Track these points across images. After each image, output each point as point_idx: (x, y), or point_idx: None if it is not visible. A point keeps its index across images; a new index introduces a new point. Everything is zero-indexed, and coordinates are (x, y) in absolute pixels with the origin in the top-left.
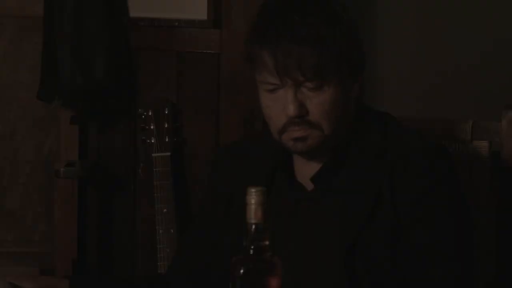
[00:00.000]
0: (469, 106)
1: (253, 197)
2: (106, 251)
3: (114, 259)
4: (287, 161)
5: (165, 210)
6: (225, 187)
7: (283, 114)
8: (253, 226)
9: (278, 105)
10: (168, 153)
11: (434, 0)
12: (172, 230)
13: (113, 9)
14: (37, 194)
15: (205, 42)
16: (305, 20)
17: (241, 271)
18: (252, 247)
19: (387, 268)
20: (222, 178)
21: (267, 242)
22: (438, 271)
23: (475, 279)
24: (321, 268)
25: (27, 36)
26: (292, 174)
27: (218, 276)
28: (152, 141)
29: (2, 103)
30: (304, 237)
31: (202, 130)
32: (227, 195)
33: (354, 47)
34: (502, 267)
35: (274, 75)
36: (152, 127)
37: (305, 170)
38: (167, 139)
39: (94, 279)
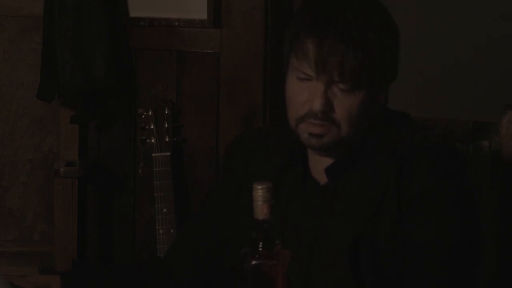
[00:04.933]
0: (469, 106)
1: (260, 194)
2: (106, 251)
3: (114, 259)
4: (302, 154)
5: (165, 210)
6: (238, 175)
7: (307, 104)
8: (261, 222)
9: (304, 94)
10: (168, 153)
11: (434, 0)
12: (172, 230)
13: (113, 9)
14: (37, 194)
15: (205, 42)
16: (356, 21)
17: (251, 263)
18: (261, 243)
19: (390, 262)
20: (236, 167)
21: (275, 237)
22: (436, 269)
23: (475, 278)
24: (327, 259)
25: (27, 36)
26: (307, 167)
27: (220, 263)
28: (152, 141)
29: (2, 102)
30: (314, 229)
31: (202, 130)
32: (239, 183)
33: (394, 56)
34: (502, 267)
35: (311, 67)
36: (152, 127)
37: (319, 165)
38: (167, 139)
39: (84, 272)
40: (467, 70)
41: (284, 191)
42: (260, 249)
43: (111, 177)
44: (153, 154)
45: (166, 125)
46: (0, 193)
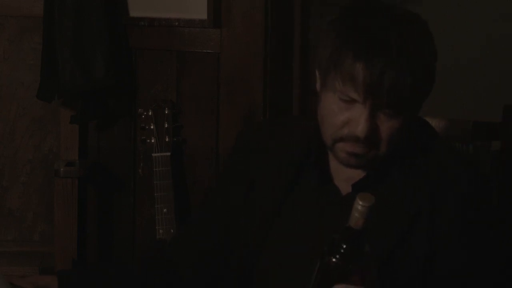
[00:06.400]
0: (469, 106)
1: (359, 210)
2: (106, 251)
3: (114, 259)
4: (321, 160)
5: (165, 210)
6: (247, 170)
7: (347, 126)
8: (351, 230)
9: (345, 115)
10: (168, 153)
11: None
12: (172, 230)
13: (113, 9)
14: (37, 194)
15: (205, 42)
16: (406, 44)
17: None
18: (344, 246)
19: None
20: (245, 160)
21: (364, 244)
22: None
23: None
24: None
25: (27, 36)
26: (327, 173)
27: (220, 263)
28: (152, 141)
29: (2, 102)
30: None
31: (202, 130)
32: (248, 178)
33: (435, 73)
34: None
35: (359, 92)
36: (152, 127)
37: (342, 173)
38: (167, 139)
39: (83, 272)
40: (467, 70)
41: (297, 194)
42: (342, 252)
43: (111, 177)
44: (153, 154)
45: (166, 125)
46: (0, 193)
